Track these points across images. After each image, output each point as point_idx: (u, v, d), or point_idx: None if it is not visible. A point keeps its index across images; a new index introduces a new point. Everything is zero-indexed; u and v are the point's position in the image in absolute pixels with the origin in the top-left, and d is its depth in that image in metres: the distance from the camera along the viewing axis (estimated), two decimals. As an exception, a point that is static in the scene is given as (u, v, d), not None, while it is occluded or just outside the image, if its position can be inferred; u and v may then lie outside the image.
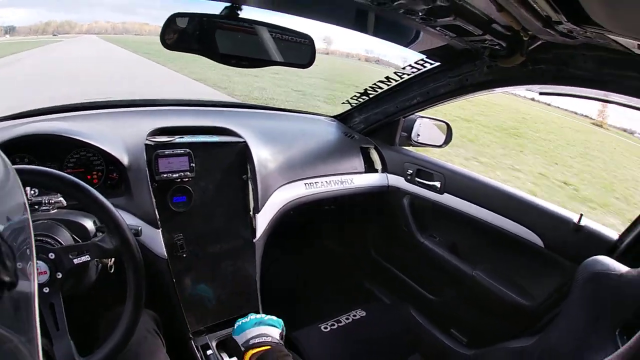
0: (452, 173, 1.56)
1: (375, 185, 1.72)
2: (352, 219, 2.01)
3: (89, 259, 0.80)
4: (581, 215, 1.19)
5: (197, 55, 0.94)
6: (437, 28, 1.03)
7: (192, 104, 1.69)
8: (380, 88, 1.68)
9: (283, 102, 9.86)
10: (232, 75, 12.29)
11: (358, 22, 1.16)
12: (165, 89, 10.16)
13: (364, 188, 1.67)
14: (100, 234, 0.88)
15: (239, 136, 1.35)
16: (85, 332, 0.91)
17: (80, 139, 1.08)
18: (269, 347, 0.81)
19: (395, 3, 0.86)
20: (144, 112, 1.46)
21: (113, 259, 0.91)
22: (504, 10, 0.80)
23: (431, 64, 1.43)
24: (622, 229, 1.13)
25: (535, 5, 0.74)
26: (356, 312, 1.79)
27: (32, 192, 0.94)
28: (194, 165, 1.20)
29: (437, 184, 1.58)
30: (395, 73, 1.57)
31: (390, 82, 1.62)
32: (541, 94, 1.36)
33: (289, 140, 1.58)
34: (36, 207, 0.88)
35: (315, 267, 2.09)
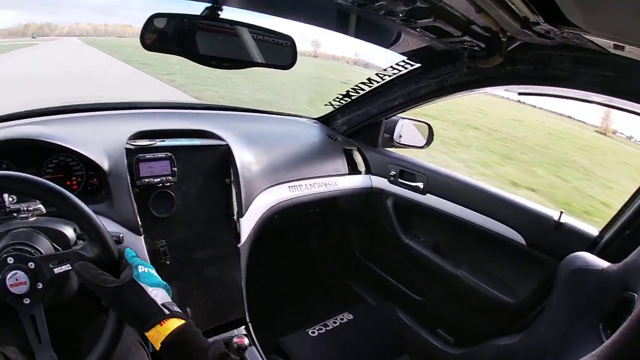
0: (434, 173, 1.57)
1: (358, 187, 1.71)
2: (337, 221, 2.00)
3: (70, 267, 0.77)
4: (561, 212, 1.22)
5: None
6: (418, 29, 1.05)
7: (173, 106, 1.65)
8: (362, 90, 1.68)
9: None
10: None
11: (339, 23, 1.16)
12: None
13: (347, 190, 1.67)
14: (81, 241, 0.85)
15: (221, 139, 1.32)
16: (68, 344, 0.87)
17: (59, 143, 1.04)
18: (183, 320, 0.71)
19: (376, 4, 0.87)
20: (125, 115, 1.42)
21: None
22: (483, 12, 0.81)
23: (412, 65, 1.44)
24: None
25: (513, 7, 0.76)
26: (343, 316, 1.79)
27: (10, 199, 0.90)
28: (175, 169, 1.17)
29: (420, 184, 1.59)
30: (377, 74, 1.58)
31: (372, 83, 1.62)
32: (520, 94, 1.40)
33: (272, 142, 1.56)
34: (14, 214, 0.85)
35: (301, 270, 2.07)
